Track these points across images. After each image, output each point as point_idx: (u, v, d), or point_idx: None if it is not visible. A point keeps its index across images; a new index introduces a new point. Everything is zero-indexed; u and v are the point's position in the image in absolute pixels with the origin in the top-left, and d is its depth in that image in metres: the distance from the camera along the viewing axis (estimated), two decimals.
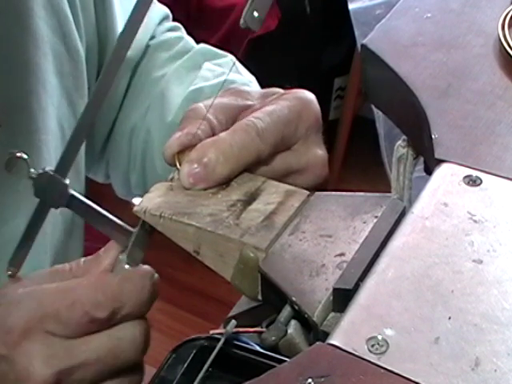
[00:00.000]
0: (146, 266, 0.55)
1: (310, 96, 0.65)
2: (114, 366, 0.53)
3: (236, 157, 0.59)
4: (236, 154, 0.59)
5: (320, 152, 0.66)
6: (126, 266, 0.54)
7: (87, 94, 0.82)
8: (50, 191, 0.55)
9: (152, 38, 0.89)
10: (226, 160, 0.59)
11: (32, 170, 0.55)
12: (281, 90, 0.67)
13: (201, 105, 0.64)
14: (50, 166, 0.78)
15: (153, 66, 0.86)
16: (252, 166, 0.61)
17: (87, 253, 0.91)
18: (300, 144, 0.64)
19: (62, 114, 0.79)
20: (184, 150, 0.61)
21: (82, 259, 0.57)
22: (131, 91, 0.87)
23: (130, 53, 0.83)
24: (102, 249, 0.56)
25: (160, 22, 0.89)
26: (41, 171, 0.55)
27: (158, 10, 0.89)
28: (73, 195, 0.56)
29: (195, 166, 0.59)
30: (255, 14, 0.58)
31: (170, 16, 0.91)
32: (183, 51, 0.86)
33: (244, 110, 0.64)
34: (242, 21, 0.59)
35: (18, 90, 0.74)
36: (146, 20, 0.86)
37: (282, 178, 0.63)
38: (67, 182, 0.55)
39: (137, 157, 0.86)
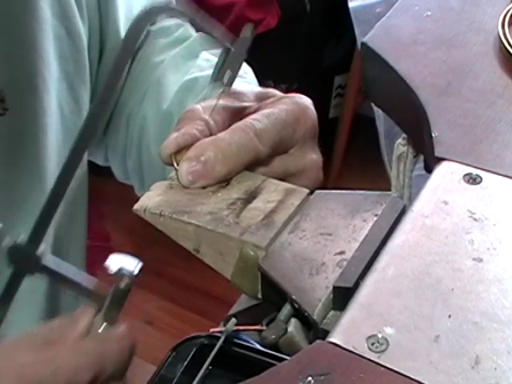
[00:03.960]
0: (123, 326, 0.54)
1: (307, 101, 0.66)
2: None
3: (235, 156, 0.60)
4: (235, 153, 0.60)
5: (316, 157, 0.66)
6: (102, 327, 0.54)
7: (89, 79, 0.82)
8: (22, 262, 0.54)
9: (153, 23, 0.88)
10: (225, 158, 0.59)
11: (5, 240, 0.53)
12: (277, 92, 0.67)
13: (198, 106, 0.64)
14: (53, 151, 0.78)
15: (152, 51, 0.86)
16: (250, 167, 0.61)
17: (87, 250, 0.92)
18: (297, 148, 0.64)
19: (61, 98, 0.79)
20: (181, 149, 0.61)
21: (57, 321, 0.56)
22: (130, 76, 0.87)
23: None
24: (77, 311, 0.55)
25: None
26: (14, 243, 0.54)
27: None
28: (45, 266, 0.55)
29: (194, 163, 0.59)
30: (228, 72, 0.60)
31: (174, 2, 0.91)
32: (182, 38, 0.86)
33: (240, 112, 0.65)
34: (212, 78, 0.62)
35: (24, 71, 0.74)
36: (147, 5, 0.86)
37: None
38: (40, 252, 0.54)
39: (133, 142, 0.86)
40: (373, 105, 0.78)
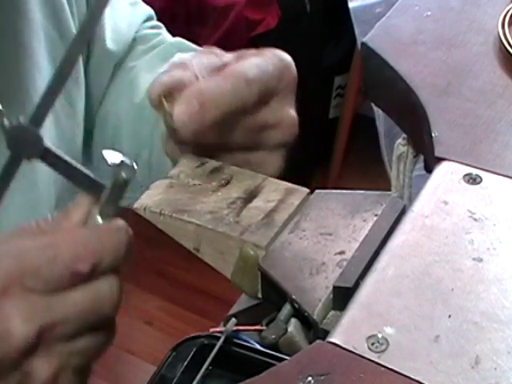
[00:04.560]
0: (120, 220, 0.54)
1: (289, 58, 0.67)
2: (93, 321, 0.52)
3: (228, 101, 0.61)
4: (228, 99, 0.61)
5: (292, 112, 0.67)
6: (99, 221, 0.53)
7: (83, 83, 0.82)
8: (23, 143, 0.53)
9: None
10: (220, 103, 0.60)
11: (5, 121, 0.53)
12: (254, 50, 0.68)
13: (186, 56, 0.65)
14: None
15: (130, 58, 0.87)
16: (236, 117, 0.63)
17: None
18: (276, 101, 0.66)
19: (56, 101, 0.79)
20: (170, 93, 0.62)
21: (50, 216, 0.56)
22: (110, 83, 0.87)
23: (115, 47, 0.84)
24: (73, 202, 0.55)
25: (145, 22, 0.91)
26: (15, 123, 0.53)
27: (143, 10, 0.92)
28: (47, 148, 0.55)
29: (191, 105, 0.60)
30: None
31: (154, 16, 0.94)
32: (158, 45, 0.88)
33: (222, 68, 0.65)
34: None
35: (13, 74, 0.74)
36: (131, 18, 0.88)
37: (258, 132, 0.64)
38: (42, 133, 0.54)
39: (106, 144, 0.86)
40: (373, 105, 0.78)
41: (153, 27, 0.92)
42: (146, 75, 0.83)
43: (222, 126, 0.62)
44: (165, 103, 0.61)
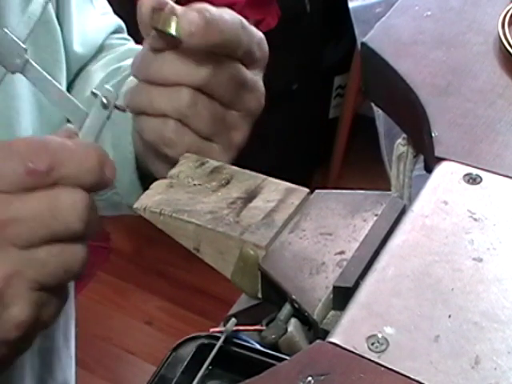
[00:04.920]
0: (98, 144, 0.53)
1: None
2: (52, 229, 0.51)
3: (228, 31, 0.61)
4: (229, 29, 0.61)
5: (262, 83, 0.68)
6: None
7: (64, 65, 0.82)
8: (6, 52, 0.53)
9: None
10: (223, 29, 0.60)
11: None
12: None
13: None
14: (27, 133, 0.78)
15: (92, 63, 0.87)
16: (225, 59, 0.63)
17: None
18: (254, 67, 0.67)
19: None
20: (160, 10, 0.61)
21: None
22: (69, 87, 0.88)
23: (81, 50, 0.85)
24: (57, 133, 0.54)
25: (114, 33, 0.91)
26: None
27: (113, 20, 0.92)
28: (29, 61, 0.54)
29: (198, 19, 0.60)
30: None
31: (124, 29, 0.94)
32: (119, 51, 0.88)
33: None
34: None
35: None
36: (100, 25, 0.89)
37: (237, 88, 0.65)
38: (25, 46, 0.54)
39: None
40: (373, 105, 0.78)
41: (121, 39, 0.93)
42: (100, 73, 0.83)
43: (212, 61, 0.62)
44: (168, 13, 0.61)
